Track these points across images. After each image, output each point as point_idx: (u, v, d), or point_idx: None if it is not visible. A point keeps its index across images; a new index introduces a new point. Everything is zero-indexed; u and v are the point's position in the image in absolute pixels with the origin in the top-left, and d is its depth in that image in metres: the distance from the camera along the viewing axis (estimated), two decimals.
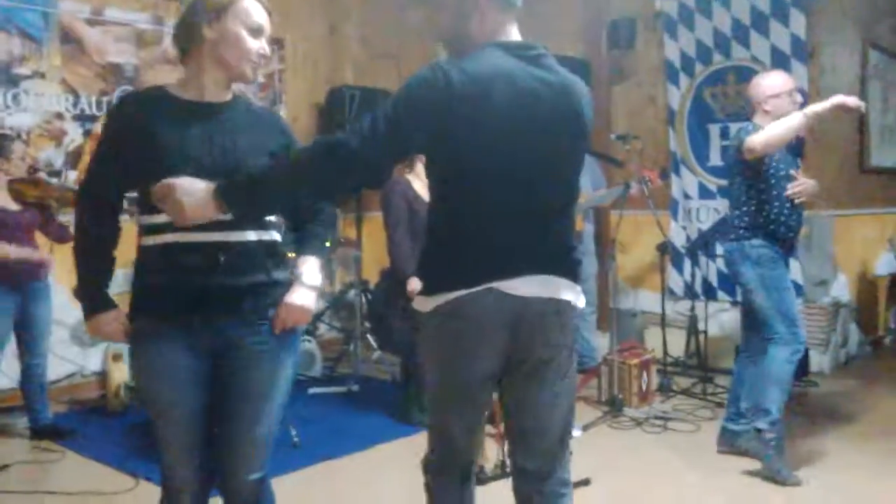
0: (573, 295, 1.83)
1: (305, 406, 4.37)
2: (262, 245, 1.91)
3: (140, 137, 1.83)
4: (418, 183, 3.89)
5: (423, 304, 1.80)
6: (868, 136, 5.83)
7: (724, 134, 5.39)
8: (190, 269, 1.82)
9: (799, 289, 5.14)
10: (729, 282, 4.91)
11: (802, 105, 3.43)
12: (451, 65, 1.70)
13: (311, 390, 4.69)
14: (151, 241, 1.86)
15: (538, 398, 1.85)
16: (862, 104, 3.13)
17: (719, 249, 4.76)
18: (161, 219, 1.81)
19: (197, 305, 1.84)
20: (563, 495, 1.91)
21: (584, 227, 5.01)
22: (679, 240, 5.57)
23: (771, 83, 3.48)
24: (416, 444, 3.16)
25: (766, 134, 3.25)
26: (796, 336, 3.39)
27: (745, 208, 3.48)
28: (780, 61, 5.12)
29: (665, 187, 5.30)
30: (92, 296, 1.90)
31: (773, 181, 3.41)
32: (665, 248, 5.00)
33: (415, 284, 3.91)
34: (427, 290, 1.81)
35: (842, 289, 5.41)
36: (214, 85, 1.90)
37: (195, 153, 1.83)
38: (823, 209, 5.14)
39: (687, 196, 5.60)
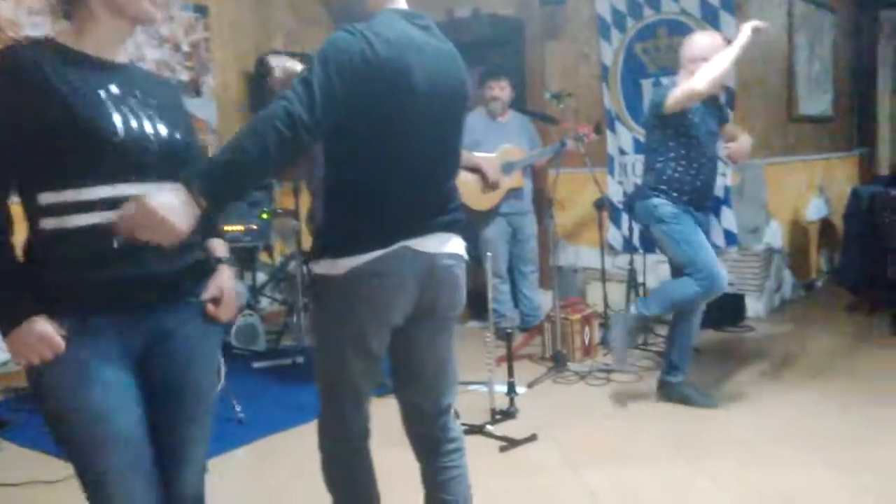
0: (464, 250, 1.98)
1: (249, 381, 4.33)
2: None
3: (45, 98, 1.47)
4: None
5: (333, 268, 1.81)
6: (795, 85, 5.95)
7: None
8: (119, 254, 1.52)
9: (733, 237, 5.27)
10: None
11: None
12: (368, 30, 1.71)
13: (255, 364, 4.64)
14: (68, 223, 1.51)
15: (442, 344, 1.99)
16: (765, 24, 3.43)
17: None
18: (80, 196, 1.50)
19: (127, 297, 1.55)
20: (452, 428, 2.06)
21: (524, 184, 5.03)
22: (616, 195, 5.63)
23: (704, 44, 3.55)
24: None
25: (707, 75, 3.31)
26: (711, 283, 3.46)
27: (654, 166, 3.60)
28: (709, 13, 5.16)
29: (600, 142, 5.34)
30: (12, 300, 1.50)
31: (692, 137, 3.48)
32: (602, 204, 5.04)
33: None
34: (337, 253, 1.80)
35: (774, 235, 5.55)
36: (114, 37, 1.60)
37: (124, 116, 1.53)
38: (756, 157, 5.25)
39: (622, 152, 5.65)
